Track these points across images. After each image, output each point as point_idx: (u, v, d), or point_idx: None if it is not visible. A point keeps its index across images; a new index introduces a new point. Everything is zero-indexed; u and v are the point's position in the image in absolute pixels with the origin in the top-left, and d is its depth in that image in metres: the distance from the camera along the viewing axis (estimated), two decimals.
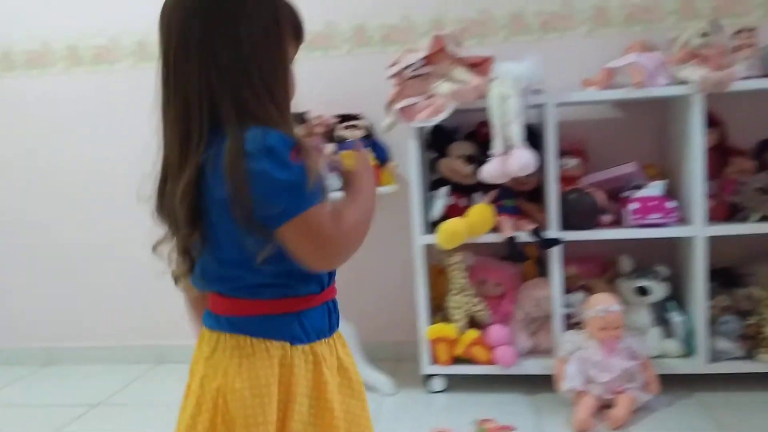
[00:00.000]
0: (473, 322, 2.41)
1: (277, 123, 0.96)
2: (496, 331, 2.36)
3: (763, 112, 2.48)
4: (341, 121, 2.66)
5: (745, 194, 2.26)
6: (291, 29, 1.04)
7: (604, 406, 2.12)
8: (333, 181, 2.39)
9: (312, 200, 0.93)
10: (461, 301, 2.38)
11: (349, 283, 2.72)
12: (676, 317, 2.32)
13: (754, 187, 2.26)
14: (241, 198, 0.91)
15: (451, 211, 2.42)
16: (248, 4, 0.98)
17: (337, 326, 1.12)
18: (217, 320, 1.05)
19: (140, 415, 2.42)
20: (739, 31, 2.27)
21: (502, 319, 2.42)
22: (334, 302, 1.11)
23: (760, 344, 2.24)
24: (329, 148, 2.47)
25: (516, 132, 2.21)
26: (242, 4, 0.97)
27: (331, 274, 1.09)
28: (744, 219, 2.26)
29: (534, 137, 2.34)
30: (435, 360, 2.41)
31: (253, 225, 0.92)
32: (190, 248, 1.02)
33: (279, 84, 1.01)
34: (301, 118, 2.54)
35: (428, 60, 2.37)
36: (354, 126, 2.65)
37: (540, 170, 2.34)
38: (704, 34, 2.23)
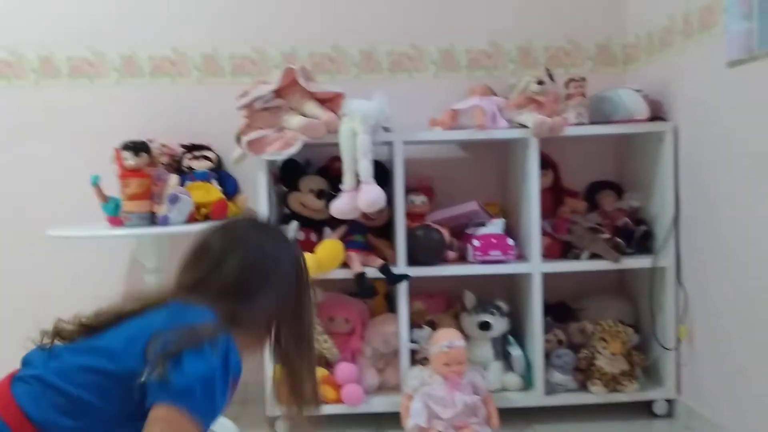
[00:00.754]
0: (321, 361, 2.36)
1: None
2: (343, 369, 2.32)
3: (592, 156, 2.67)
4: (189, 151, 2.57)
5: (577, 233, 2.41)
6: None
7: None
8: (175, 213, 2.25)
9: (193, 410, 0.99)
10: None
11: None
12: (515, 351, 2.40)
13: (585, 227, 2.41)
14: None
15: (301, 247, 2.36)
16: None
17: None
18: None
19: None
20: (570, 80, 2.43)
21: (351, 357, 2.40)
22: None
23: (592, 376, 2.37)
24: (173, 179, 2.37)
25: (365, 168, 2.22)
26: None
27: None
28: (576, 257, 2.40)
29: (383, 174, 2.37)
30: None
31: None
32: None
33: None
34: (144, 147, 2.41)
35: (279, 93, 2.34)
36: (203, 156, 2.56)
37: (389, 206, 2.37)
38: (540, 82, 2.37)
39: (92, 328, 1.11)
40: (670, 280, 2.33)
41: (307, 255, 2.30)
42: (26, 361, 1.09)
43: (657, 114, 2.36)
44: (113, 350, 1.03)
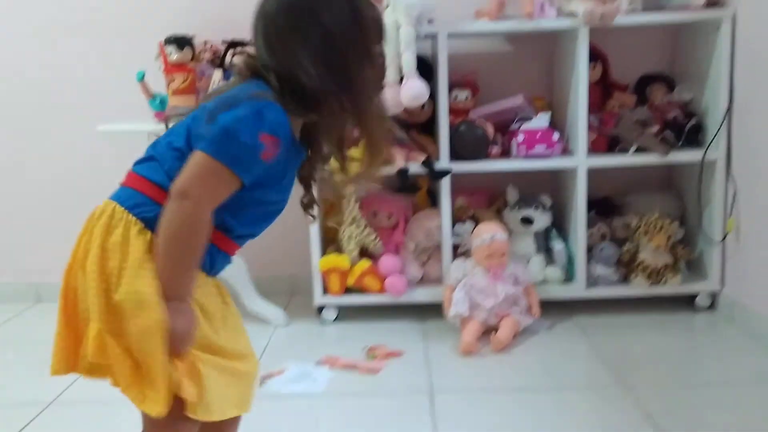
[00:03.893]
0: (365, 253, 2.42)
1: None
2: (387, 261, 2.38)
3: (644, 47, 2.57)
4: (231, 47, 2.55)
5: (625, 127, 2.35)
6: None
7: (489, 330, 2.20)
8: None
9: (221, 157, 0.99)
10: (353, 232, 2.38)
11: None
12: (557, 245, 2.42)
13: (633, 120, 2.35)
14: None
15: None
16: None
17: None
18: None
19: (17, 354, 2.30)
20: None
21: (394, 250, 2.45)
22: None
23: (635, 270, 2.37)
24: (217, 74, 2.38)
25: (408, 61, 2.19)
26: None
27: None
28: (623, 151, 2.36)
29: (427, 69, 2.33)
30: (327, 291, 2.41)
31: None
32: None
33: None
34: (188, 41, 2.42)
35: None
36: (244, 52, 2.54)
37: (432, 101, 2.35)
38: None
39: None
40: (719, 173, 2.28)
41: (352, 150, 2.32)
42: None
43: (714, 0, 2.25)
44: (182, 127, 1.08)
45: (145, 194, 1.05)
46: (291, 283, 2.73)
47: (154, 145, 1.11)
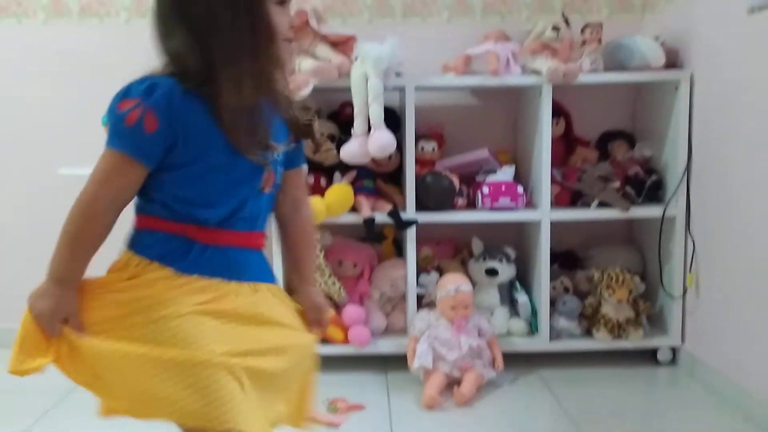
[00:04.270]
0: (329, 303, 2.40)
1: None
2: (351, 311, 2.36)
3: (606, 105, 2.64)
4: None
5: (587, 181, 2.40)
6: None
7: (453, 382, 2.18)
8: None
9: (110, 143, 1.03)
10: (317, 281, 2.36)
11: None
12: (521, 297, 2.43)
13: (595, 175, 2.40)
14: None
15: (311, 191, 2.38)
16: None
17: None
18: None
19: None
20: (586, 26, 2.39)
21: (359, 300, 2.43)
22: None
23: (597, 323, 2.39)
24: None
25: (376, 112, 2.22)
26: None
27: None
28: (585, 205, 2.40)
29: (394, 120, 2.36)
30: None
31: None
32: None
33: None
34: None
35: None
36: None
37: (399, 152, 2.37)
38: (555, 28, 2.33)
39: None
40: (679, 229, 2.33)
41: (317, 199, 2.33)
42: None
43: (673, 62, 2.33)
44: None
45: None
46: None
47: None
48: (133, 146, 1.01)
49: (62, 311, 1.04)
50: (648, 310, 2.41)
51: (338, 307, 2.39)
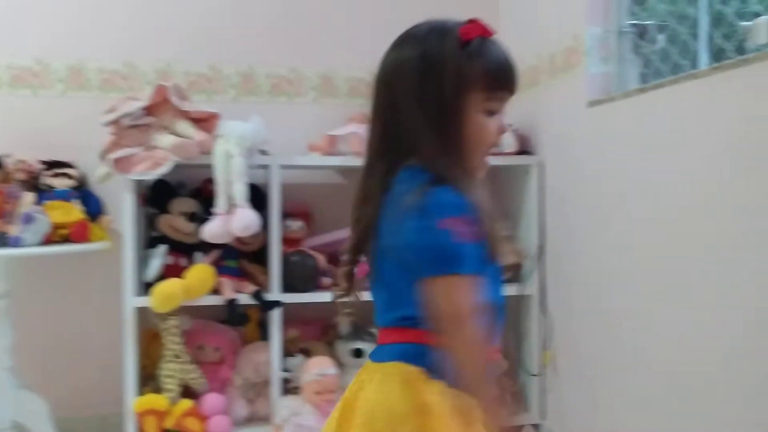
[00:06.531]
0: (188, 391, 2.26)
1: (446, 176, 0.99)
2: (211, 400, 2.23)
3: None
4: (49, 168, 2.39)
5: None
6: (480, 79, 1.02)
7: None
8: (28, 234, 2.10)
9: (457, 268, 0.94)
10: (174, 369, 2.21)
11: (44, 350, 2.43)
12: None
13: None
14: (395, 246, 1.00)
15: (170, 272, 2.27)
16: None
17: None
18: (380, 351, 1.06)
19: None
20: None
21: (220, 387, 2.30)
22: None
23: None
24: (28, 197, 2.20)
25: (240, 191, 2.18)
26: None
27: None
28: None
29: (259, 198, 2.32)
30: None
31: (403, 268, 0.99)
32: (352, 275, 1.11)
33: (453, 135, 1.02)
34: None
35: (150, 110, 2.25)
36: (64, 174, 2.40)
37: (264, 231, 2.32)
38: None
39: None
40: (534, 308, 2.42)
41: (176, 281, 2.22)
42: None
43: (525, 148, 2.47)
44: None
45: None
46: (101, 426, 2.46)
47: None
48: (471, 260, 0.98)
49: None
50: (510, 388, 2.46)
51: (197, 396, 2.25)
